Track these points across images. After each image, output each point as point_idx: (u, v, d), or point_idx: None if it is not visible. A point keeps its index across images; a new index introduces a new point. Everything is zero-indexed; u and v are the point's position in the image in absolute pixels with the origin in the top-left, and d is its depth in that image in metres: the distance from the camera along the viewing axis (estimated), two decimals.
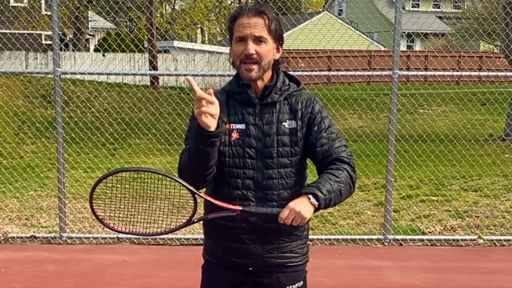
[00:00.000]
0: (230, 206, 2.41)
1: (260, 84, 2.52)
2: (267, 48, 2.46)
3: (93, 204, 2.41)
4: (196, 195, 2.38)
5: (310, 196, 2.35)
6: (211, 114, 2.26)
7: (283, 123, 2.51)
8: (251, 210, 2.40)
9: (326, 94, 15.70)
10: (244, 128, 2.49)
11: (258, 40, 2.44)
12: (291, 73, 2.73)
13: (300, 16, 25.65)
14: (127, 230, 2.48)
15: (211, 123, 2.27)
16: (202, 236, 6.72)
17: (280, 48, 2.55)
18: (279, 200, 2.47)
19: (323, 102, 2.62)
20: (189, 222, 2.43)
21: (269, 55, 2.48)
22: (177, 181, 2.36)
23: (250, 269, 2.53)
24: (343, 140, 2.56)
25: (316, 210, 2.38)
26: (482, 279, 5.37)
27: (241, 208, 2.40)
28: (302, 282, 2.61)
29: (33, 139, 13.66)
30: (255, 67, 2.45)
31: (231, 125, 2.49)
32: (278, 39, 2.51)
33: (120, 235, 6.32)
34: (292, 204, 2.35)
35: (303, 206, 2.34)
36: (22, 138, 14.10)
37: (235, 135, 2.48)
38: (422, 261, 5.81)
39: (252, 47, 2.43)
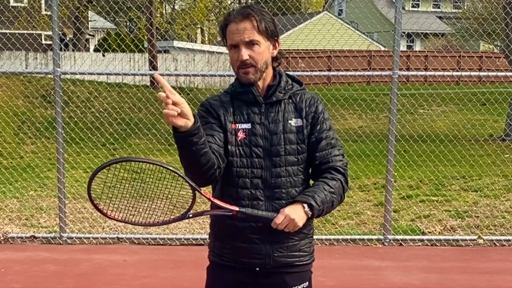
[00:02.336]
0: (227, 206, 2.40)
1: (262, 83, 2.53)
2: (261, 50, 2.45)
3: (91, 192, 2.38)
4: (196, 191, 2.37)
5: (305, 206, 2.40)
6: (179, 115, 2.14)
7: (289, 121, 2.52)
8: (247, 212, 2.40)
9: (326, 94, 15.70)
10: (250, 127, 2.49)
11: (250, 44, 2.44)
12: (291, 73, 2.74)
13: (300, 16, 25.63)
14: (120, 218, 2.44)
15: (182, 123, 2.16)
16: (202, 236, 6.66)
17: (277, 44, 2.53)
18: (288, 198, 2.48)
19: (323, 102, 2.63)
20: (185, 217, 2.42)
21: (264, 55, 2.47)
22: (180, 175, 2.35)
23: (257, 269, 2.52)
24: (341, 149, 2.59)
25: (308, 219, 2.43)
26: (482, 279, 5.37)
27: (237, 209, 2.40)
28: (307, 283, 2.61)
29: (33, 139, 13.64)
30: (251, 69, 2.46)
31: (237, 125, 2.49)
32: (271, 36, 2.49)
33: (120, 235, 6.34)
34: (287, 211, 2.38)
35: (297, 214, 2.38)
36: (22, 138, 14.08)
37: (241, 135, 2.49)
38: (422, 261, 5.81)
39: (245, 53, 2.43)
